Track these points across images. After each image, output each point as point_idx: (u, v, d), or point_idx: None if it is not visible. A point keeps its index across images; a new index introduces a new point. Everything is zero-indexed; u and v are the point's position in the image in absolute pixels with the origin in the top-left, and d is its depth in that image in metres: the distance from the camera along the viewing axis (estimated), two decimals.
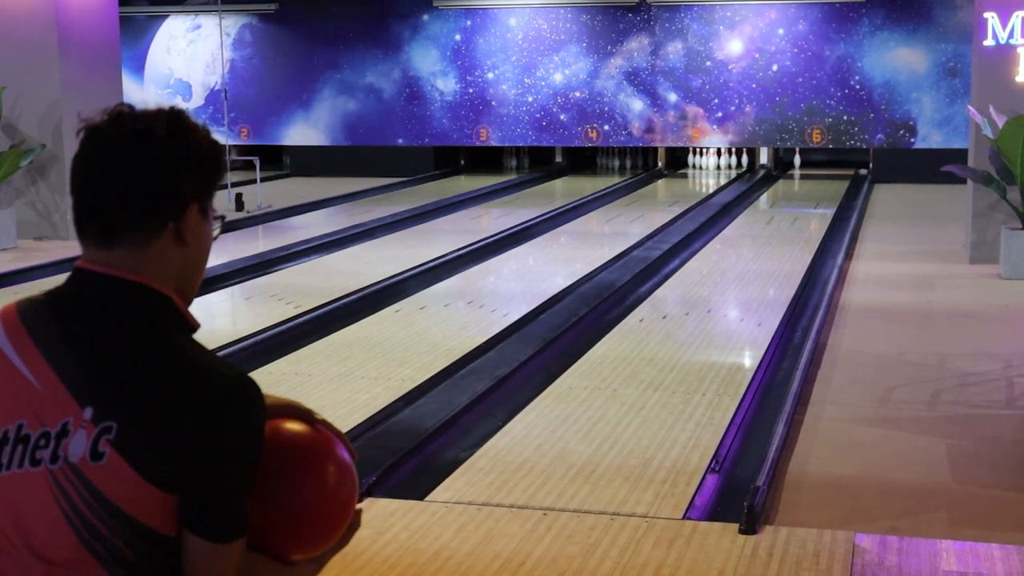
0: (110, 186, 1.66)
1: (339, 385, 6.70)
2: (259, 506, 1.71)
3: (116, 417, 1.61)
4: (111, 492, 1.60)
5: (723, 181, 18.10)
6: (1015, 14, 10.29)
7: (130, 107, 1.70)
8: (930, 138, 16.91)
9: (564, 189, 17.62)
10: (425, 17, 18.26)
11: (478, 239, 12.07)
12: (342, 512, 1.79)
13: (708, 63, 17.54)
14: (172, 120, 1.69)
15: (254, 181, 15.09)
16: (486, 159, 20.23)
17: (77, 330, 1.66)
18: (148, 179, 1.66)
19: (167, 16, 19.27)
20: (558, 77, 17.98)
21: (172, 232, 1.69)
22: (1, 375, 1.67)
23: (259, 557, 1.72)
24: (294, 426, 1.77)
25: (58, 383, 1.64)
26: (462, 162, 20.04)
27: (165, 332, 1.67)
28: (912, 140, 17.01)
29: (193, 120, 1.72)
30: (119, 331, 1.66)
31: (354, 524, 1.83)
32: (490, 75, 18.16)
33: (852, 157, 19.14)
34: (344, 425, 5.77)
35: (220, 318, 8.70)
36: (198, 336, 1.74)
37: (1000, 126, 9.66)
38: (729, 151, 19.37)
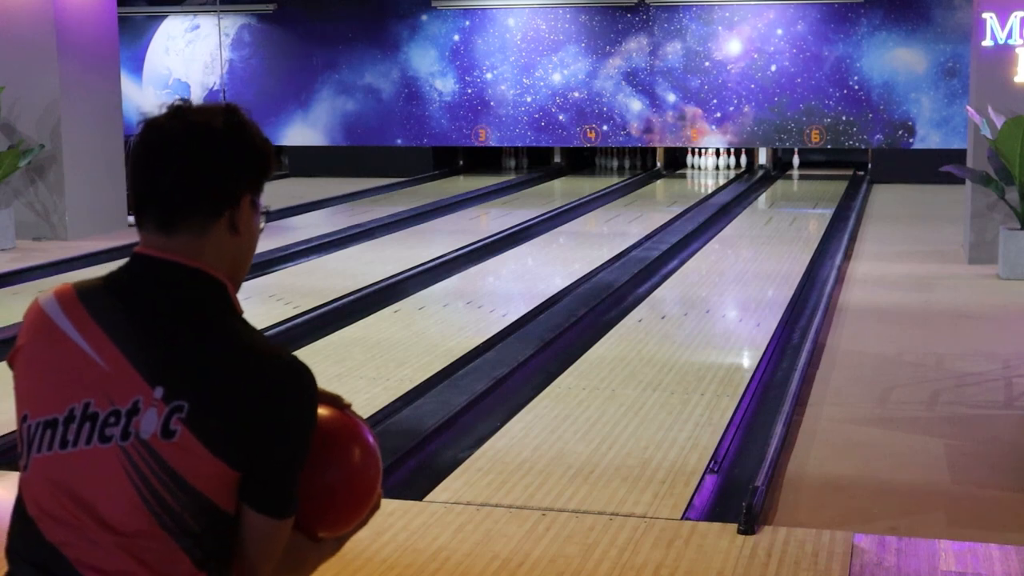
0: (171, 175, 1.75)
1: (338, 385, 6.69)
2: None
3: (187, 397, 1.69)
4: (182, 467, 1.69)
5: (722, 181, 18.10)
6: (1013, 14, 10.29)
7: (187, 101, 1.80)
8: (929, 138, 16.92)
9: (563, 189, 17.62)
10: (424, 17, 18.26)
11: (477, 239, 12.07)
12: (367, 493, 1.90)
13: (707, 63, 17.54)
14: (228, 115, 1.79)
15: None
16: (485, 159, 20.23)
17: (141, 312, 1.74)
18: (207, 169, 1.76)
19: (165, 16, 19.26)
20: (557, 77, 17.97)
21: (227, 221, 1.78)
22: (64, 355, 1.74)
23: (293, 533, 1.81)
24: (323, 411, 1.83)
25: (126, 363, 1.71)
26: (461, 162, 20.04)
27: (222, 316, 1.77)
28: (911, 140, 17.02)
29: (246, 116, 1.82)
30: (182, 314, 1.74)
31: (375, 506, 1.94)
32: (489, 75, 18.15)
33: (851, 157, 19.15)
34: None
35: None
36: None
37: (998, 126, 9.66)
38: (728, 151, 19.38)
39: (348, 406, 1.92)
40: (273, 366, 1.73)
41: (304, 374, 1.76)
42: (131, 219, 12.00)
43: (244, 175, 1.80)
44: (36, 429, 1.74)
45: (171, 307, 1.74)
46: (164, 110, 1.78)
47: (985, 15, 10.35)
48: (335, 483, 1.84)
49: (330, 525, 1.87)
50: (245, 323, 1.79)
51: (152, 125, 1.77)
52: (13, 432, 5.65)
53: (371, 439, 1.92)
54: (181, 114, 1.77)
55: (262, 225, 1.87)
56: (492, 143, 18.53)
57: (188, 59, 19.25)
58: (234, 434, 1.70)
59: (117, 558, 1.69)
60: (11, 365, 1.82)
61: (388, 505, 4.74)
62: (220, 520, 1.73)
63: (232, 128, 1.78)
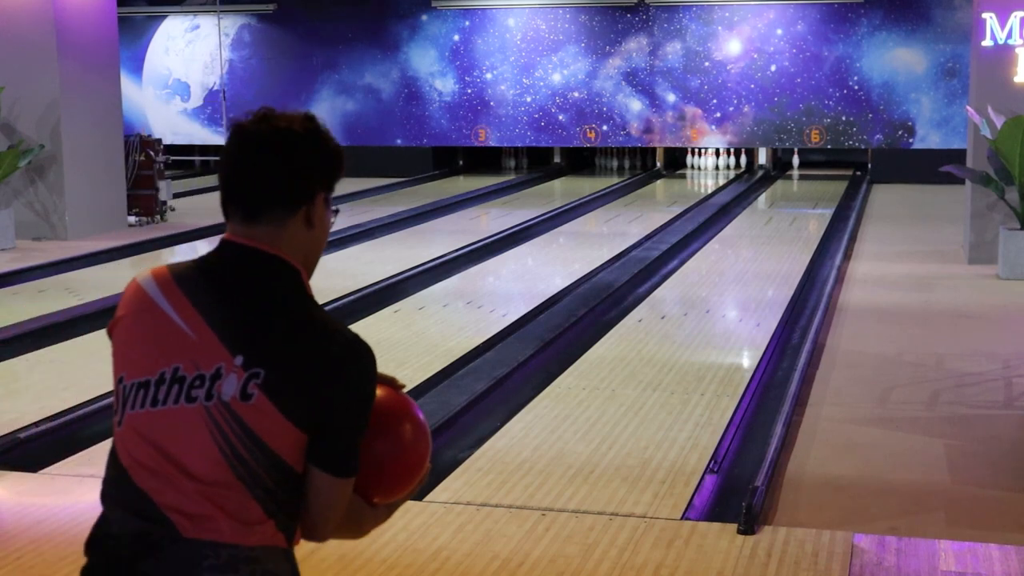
0: (256, 173, 2.00)
1: None
2: None
3: (264, 365, 1.92)
4: (257, 427, 1.92)
5: (721, 181, 18.10)
6: (1013, 14, 10.30)
7: (271, 109, 2.04)
8: (928, 138, 16.92)
9: (563, 189, 17.63)
10: (424, 17, 18.26)
11: (477, 239, 12.07)
12: (417, 465, 2.10)
13: (707, 63, 17.54)
14: (307, 121, 2.05)
15: None
16: (485, 159, 20.23)
17: (226, 291, 1.98)
18: (288, 168, 2.00)
19: (165, 16, 19.26)
20: (556, 77, 17.98)
21: (303, 215, 2.02)
22: (158, 325, 1.98)
23: (353, 497, 2.02)
24: (379, 390, 2.04)
25: (212, 334, 1.95)
26: (460, 162, 20.04)
27: (297, 297, 2.00)
28: (911, 140, 17.02)
29: (322, 123, 2.08)
30: (261, 294, 1.98)
31: (424, 477, 2.14)
32: (489, 75, 18.16)
33: (851, 157, 19.15)
34: None
35: None
36: None
37: (998, 126, 9.67)
38: (728, 151, 19.38)
39: (402, 387, 2.11)
40: (338, 342, 1.95)
41: (366, 350, 1.98)
42: (131, 219, 11.91)
43: (319, 175, 2.04)
44: (131, 389, 1.98)
45: (253, 287, 1.98)
46: (251, 116, 2.02)
47: (985, 15, 10.36)
48: (388, 454, 2.03)
49: (384, 492, 2.06)
50: (316, 304, 2.01)
51: (241, 128, 2.02)
52: (13, 432, 5.65)
53: (421, 416, 2.11)
54: (266, 120, 2.01)
55: (332, 220, 2.10)
56: (492, 143, 18.54)
57: (188, 59, 19.24)
58: (303, 399, 1.92)
59: (199, 503, 1.91)
60: (110, 335, 2.05)
61: None
62: (290, 477, 1.94)
63: (310, 133, 2.03)
